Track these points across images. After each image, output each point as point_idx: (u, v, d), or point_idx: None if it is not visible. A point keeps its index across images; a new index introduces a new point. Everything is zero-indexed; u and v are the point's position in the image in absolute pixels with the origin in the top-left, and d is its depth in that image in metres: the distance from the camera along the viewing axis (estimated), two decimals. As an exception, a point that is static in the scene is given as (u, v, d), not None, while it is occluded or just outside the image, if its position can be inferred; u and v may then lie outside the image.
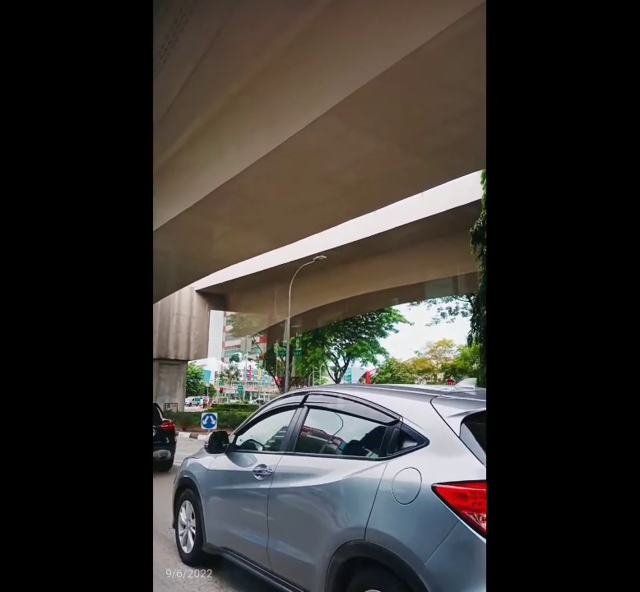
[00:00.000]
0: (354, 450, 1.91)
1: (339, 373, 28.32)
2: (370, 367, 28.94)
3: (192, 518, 2.74)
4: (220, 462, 2.60)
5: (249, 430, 2.64)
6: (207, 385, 43.03)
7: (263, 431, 2.59)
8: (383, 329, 26.76)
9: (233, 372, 37.32)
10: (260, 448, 2.54)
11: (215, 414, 11.09)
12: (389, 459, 1.67)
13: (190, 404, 26.52)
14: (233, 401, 31.33)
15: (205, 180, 7.30)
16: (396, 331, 27.02)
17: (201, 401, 35.47)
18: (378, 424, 1.82)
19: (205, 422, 10.63)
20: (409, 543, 1.43)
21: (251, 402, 31.87)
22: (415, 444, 1.63)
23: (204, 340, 20.94)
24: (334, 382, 28.26)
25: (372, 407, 1.88)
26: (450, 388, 2.29)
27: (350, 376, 29.20)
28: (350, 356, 27.68)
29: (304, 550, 1.87)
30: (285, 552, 1.97)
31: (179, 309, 20.52)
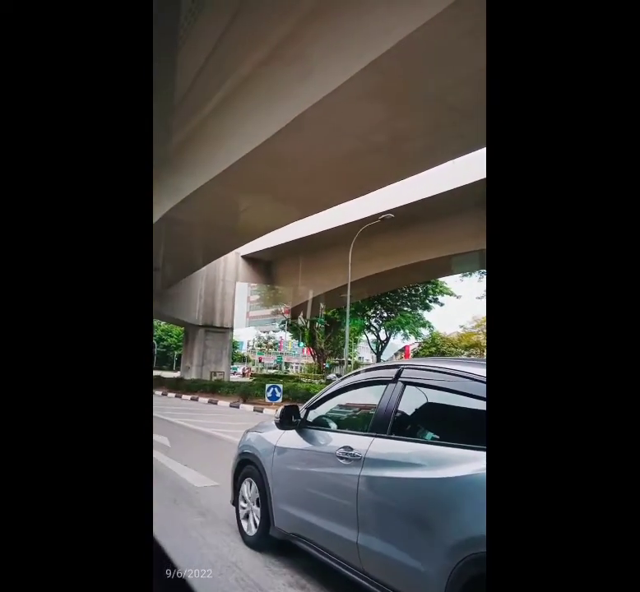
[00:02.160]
0: (481, 439, 1.55)
1: (380, 346, 28.10)
2: (410, 341, 28.50)
3: (257, 499, 2.53)
4: (291, 439, 2.34)
5: (323, 405, 2.35)
6: (243, 354, 44.01)
7: (342, 407, 2.30)
8: (428, 301, 26.17)
9: (271, 342, 37.91)
10: (335, 426, 2.26)
11: (280, 386, 10.35)
12: None
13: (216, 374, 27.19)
14: (271, 371, 31.91)
15: (265, 119, 6.77)
16: (441, 304, 26.27)
17: (239, 370, 36.44)
18: None
19: (269, 394, 9.91)
20: None
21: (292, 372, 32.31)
22: None
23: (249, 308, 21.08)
24: (375, 356, 28.09)
25: None
26: None
27: None
28: (392, 329, 27.35)
29: (411, 553, 1.57)
30: (383, 551, 1.68)
31: (225, 275, 20.36)
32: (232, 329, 21.51)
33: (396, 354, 27.73)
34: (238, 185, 8.32)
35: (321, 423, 2.30)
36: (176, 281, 17.58)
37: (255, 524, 2.49)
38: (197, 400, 14.64)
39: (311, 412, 2.36)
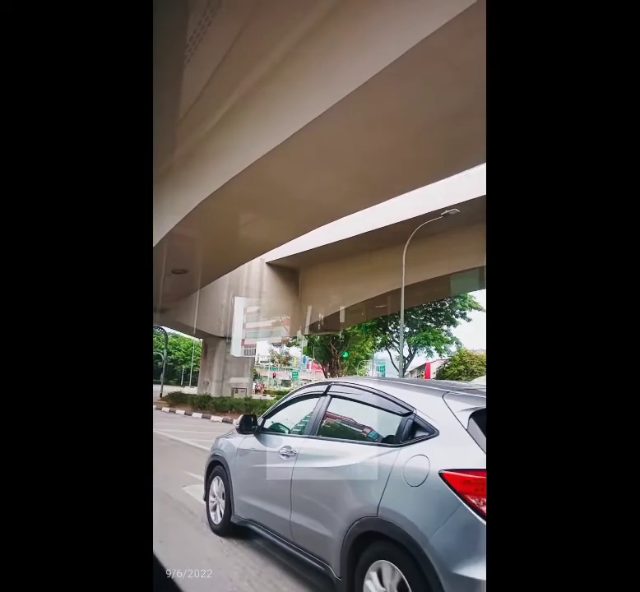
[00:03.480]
0: (370, 436, 2.22)
1: (404, 364, 28.22)
2: (433, 359, 28.54)
3: (222, 492, 3.22)
4: (249, 442, 3.04)
5: (276, 414, 3.05)
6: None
7: (289, 416, 2.99)
8: (453, 317, 26.25)
9: (284, 357, 38.60)
10: (286, 431, 2.93)
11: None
12: (402, 446, 1.97)
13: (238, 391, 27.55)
14: (283, 388, 32.41)
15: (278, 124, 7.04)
16: (468, 320, 26.41)
17: (252, 386, 37.06)
18: (393, 414, 2.12)
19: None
20: (416, 521, 1.73)
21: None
22: (427, 434, 1.92)
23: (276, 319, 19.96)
24: (400, 373, 28.33)
25: (388, 399, 2.18)
26: (464, 385, 2.55)
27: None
28: (416, 345, 27.50)
29: (323, 523, 2.22)
30: (305, 524, 2.34)
31: (248, 283, 19.63)
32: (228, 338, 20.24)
33: (411, 372, 27.82)
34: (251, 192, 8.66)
35: (273, 429, 2.98)
36: (187, 294, 17.77)
37: (221, 514, 3.18)
38: (230, 422, 13.11)
39: (267, 420, 3.04)
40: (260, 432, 3.02)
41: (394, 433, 2.06)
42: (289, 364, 38.63)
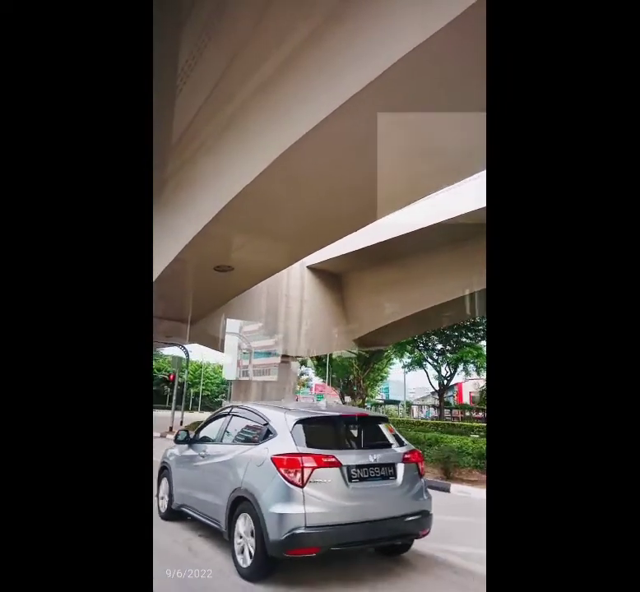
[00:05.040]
0: (244, 440, 3.70)
1: (443, 383, 28.51)
2: (470, 378, 28.58)
3: (167, 489, 4.62)
4: (184, 450, 4.50)
5: (203, 429, 4.50)
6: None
7: (209, 429, 4.42)
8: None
9: (304, 378, 39.30)
10: (206, 440, 4.34)
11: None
12: (259, 444, 3.41)
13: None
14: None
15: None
16: (509, 335, 26.22)
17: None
18: (258, 424, 3.52)
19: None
20: (257, 486, 3.16)
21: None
22: (272, 435, 3.35)
23: (319, 331, 18.33)
24: (436, 393, 28.18)
25: (258, 414, 3.63)
26: (303, 404, 4.42)
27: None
28: (456, 363, 27.82)
29: (217, 496, 3.62)
30: (209, 500, 3.77)
31: (288, 290, 18.00)
32: (296, 359, 18.91)
33: (432, 394, 28.00)
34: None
35: (201, 439, 4.36)
36: (222, 303, 15.59)
37: (166, 504, 4.57)
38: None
39: (199, 433, 4.43)
40: (191, 442, 4.43)
41: (257, 436, 3.51)
42: (308, 386, 39.13)
